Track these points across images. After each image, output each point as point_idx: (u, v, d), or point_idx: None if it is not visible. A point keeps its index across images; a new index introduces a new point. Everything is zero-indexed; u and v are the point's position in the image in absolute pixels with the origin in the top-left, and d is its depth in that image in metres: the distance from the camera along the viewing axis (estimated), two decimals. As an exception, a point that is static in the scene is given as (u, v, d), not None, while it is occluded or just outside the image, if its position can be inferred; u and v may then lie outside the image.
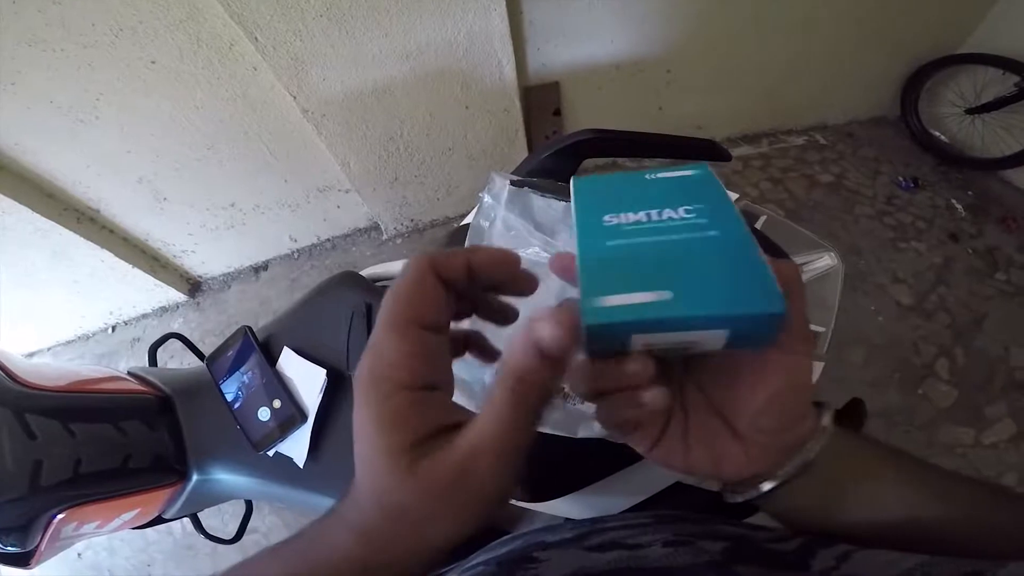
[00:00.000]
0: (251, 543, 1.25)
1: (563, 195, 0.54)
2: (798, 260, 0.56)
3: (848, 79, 1.87)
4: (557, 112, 1.67)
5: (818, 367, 0.56)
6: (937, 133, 1.95)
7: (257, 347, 0.74)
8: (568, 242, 0.53)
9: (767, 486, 0.29)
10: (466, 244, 0.57)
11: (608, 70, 1.60)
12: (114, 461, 0.73)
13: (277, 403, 0.71)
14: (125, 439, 0.75)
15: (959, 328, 1.54)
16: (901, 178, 1.87)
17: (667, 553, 0.28)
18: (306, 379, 0.70)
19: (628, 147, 0.69)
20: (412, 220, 1.84)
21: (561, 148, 0.66)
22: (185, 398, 0.80)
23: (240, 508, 0.94)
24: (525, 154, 1.70)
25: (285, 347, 0.72)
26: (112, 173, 1.44)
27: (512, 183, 0.56)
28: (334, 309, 0.74)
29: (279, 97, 1.31)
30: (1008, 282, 1.61)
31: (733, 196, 0.59)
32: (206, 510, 0.94)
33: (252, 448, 0.73)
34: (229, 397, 0.75)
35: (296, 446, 0.71)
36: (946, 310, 1.58)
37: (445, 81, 1.39)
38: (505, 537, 0.37)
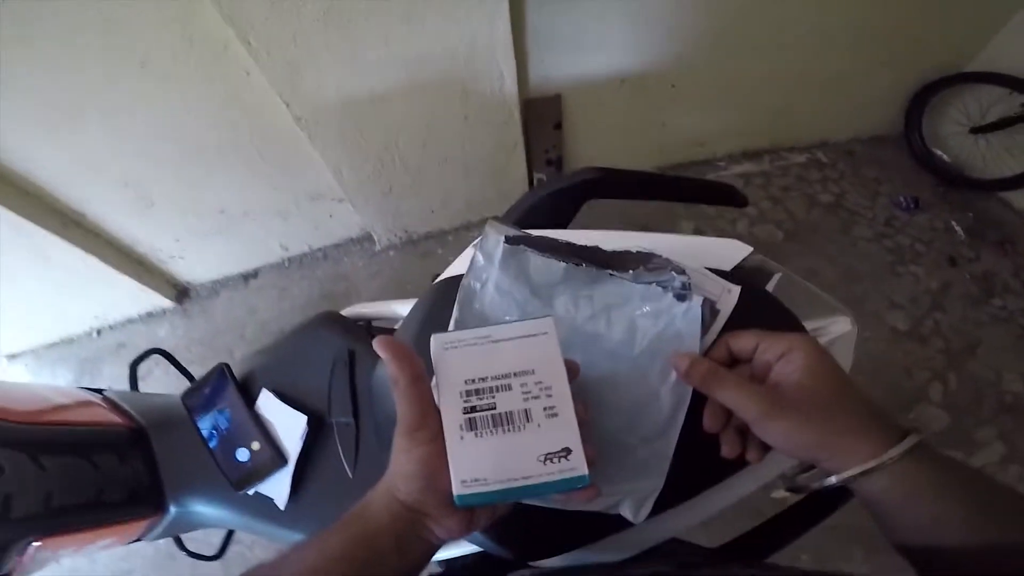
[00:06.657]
0: (235, 555, 1.22)
1: (562, 255, 0.49)
2: (810, 325, 0.52)
3: (852, 97, 1.84)
4: (558, 126, 1.63)
5: None
6: (939, 152, 1.93)
7: (234, 386, 0.70)
8: (564, 304, 0.49)
9: (832, 480, 0.35)
10: (456, 306, 0.52)
11: (612, 84, 1.56)
12: (87, 495, 0.70)
13: (256, 445, 0.68)
14: (97, 473, 0.71)
15: (953, 353, 1.54)
16: (901, 197, 1.85)
17: None
18: (286, 423, 0.67)
19: (638, 189, 0.63)
20: (406, 231, 1.80)
21: (563, 188, 0.61)
22: (160, 431, 0.75)
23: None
24: (523, 167, 1.66)
25: (264, 389, 0.68)
26: (96, 175, 1.38)
27: (507, 239, 0.50)
28: (316, 352, 0.70)
29: (272, 102, 1.26)
30: (1003, 308, 1.62)
31: (746, 251, 0.55)
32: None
33: (232, 487, 0.70)
34: (205, 434, 0.72)
35: (277, 487, 0.68)
36: (941, 335, 1.57)
37: (444, 91, 1.35)
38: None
